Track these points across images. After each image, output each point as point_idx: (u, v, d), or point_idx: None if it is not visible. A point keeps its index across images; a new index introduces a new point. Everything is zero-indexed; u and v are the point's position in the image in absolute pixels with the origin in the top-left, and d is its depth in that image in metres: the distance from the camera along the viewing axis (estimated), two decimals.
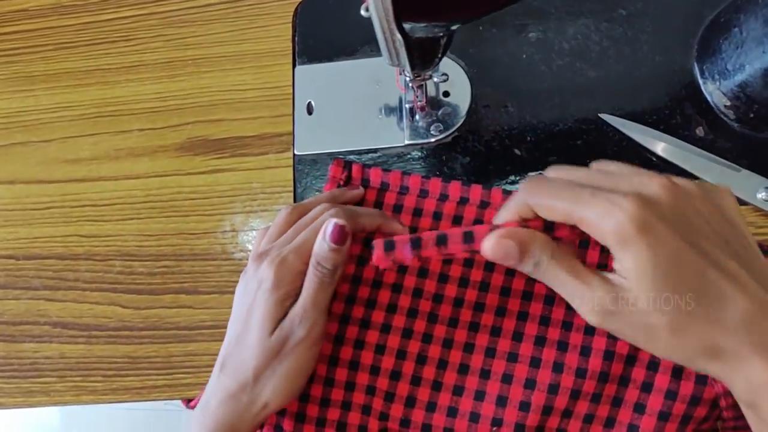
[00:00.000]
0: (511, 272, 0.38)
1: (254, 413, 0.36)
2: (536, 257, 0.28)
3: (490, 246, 0.29)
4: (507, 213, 0.30)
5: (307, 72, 0.49)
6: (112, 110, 0.50)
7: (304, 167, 0.47)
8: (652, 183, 0.27)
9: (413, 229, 0.41)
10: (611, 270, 0.27)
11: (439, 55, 0.36)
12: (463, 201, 0.41)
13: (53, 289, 0.47)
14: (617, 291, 0.27)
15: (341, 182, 0.43)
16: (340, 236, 0.35)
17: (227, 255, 0.46)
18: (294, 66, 0.49)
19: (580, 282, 0.28)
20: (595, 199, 0.27)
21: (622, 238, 0.26)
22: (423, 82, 0.43)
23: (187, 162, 0.48)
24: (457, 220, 0.40)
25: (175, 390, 0.44)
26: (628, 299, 0.26)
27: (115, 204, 0.48)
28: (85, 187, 0.49)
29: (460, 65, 0.47)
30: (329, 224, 0.36)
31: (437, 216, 0.41)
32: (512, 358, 0.37)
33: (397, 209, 0.41)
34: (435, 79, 0.43)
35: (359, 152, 0.46)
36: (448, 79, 0.43)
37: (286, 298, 0.36)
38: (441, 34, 0.32)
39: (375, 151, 0.46)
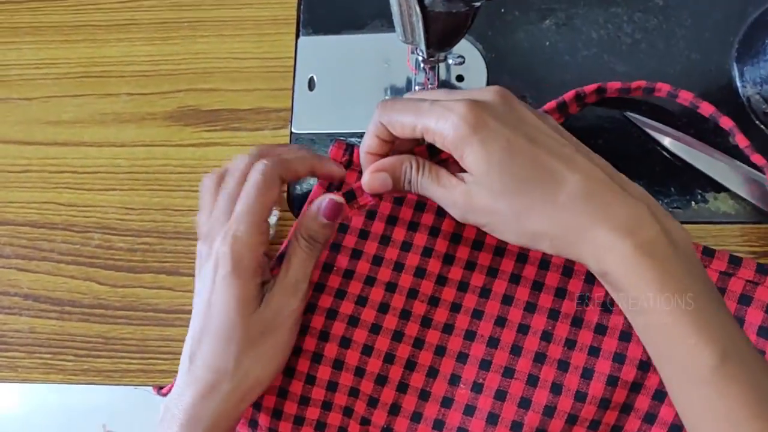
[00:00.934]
0: (515, 279, 0.36)
1: (240, 398, 0.33)
2: (407, 176, 0.32)
3: (366, 182, 0.33)
4: (367, 137, 0.33)
5: (311, 44, 0.45)
6: (99, 71, 0.47)
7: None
8: (484, 91, 0.31)
9: (414, 225, 0.37)
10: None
11: (459, 35, 0.32)
12: None
13: (26, 259, 0.44)
14: (467, 188, 0.30)
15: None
16: (334, 212, 0.35)
17: None
18: (297, 36, 0.46)
19: (442, 187, 0.31)
20: (432, 107, 0.30)
21: (458, 139, 0.29)
22: (436, 64, 0.39)
23: (177, 133, 0.45)
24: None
25: (149, 376, 0.41)
26: (475, 194, 0.30)
27: (97, 172, 0.45)
28: (66, 152, 0.46)
29: (477, 48, 0.43)
30: (324, 199, 0.35)
31: (441, 213, 0.37)
32: (508, 373, 0.34)
33: (398, 201, 0.38)
34: (450, 62, 0.39)
35: (361, 134, 0.43)
36: (464, 62, 0.39)
37: (254, 274, 0.33)
38: (464, 9, 0.29)
39: None
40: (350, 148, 0.40)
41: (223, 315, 0.33)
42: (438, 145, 0.30)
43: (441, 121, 0.29)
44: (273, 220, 0.41)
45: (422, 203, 0.38)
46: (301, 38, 0.45)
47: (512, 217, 0.29)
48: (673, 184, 0.39)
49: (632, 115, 0.40)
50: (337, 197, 0.35)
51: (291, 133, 0.44)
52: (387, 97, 0.43)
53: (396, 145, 0.34)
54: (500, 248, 0.36)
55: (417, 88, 0.42)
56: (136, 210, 0.44)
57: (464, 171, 0.31)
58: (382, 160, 0.33)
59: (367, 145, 0.33)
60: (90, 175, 0.45)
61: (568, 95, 0.39)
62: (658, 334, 0.28)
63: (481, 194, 0.29)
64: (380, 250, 0.37)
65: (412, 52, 0.42)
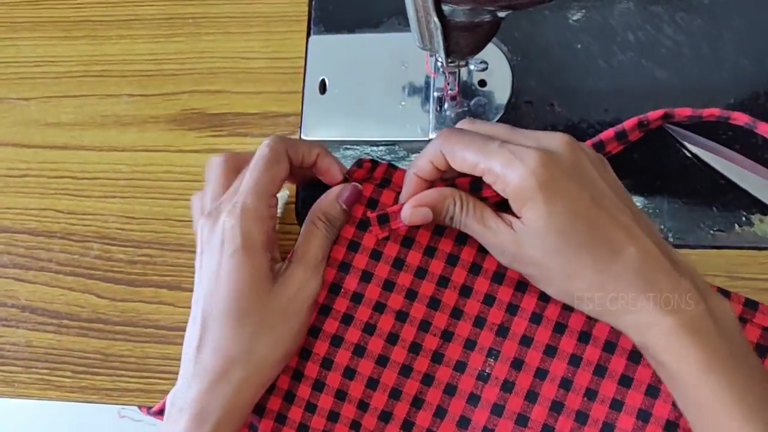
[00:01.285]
0: (536, 319, 0.33)
1: (253, 387, 0.31)
2: (450, 213, 0.32)
3: (406, 215, 0.32)
4: (421, 160, 0.32)
5: (322, 43, 0.42)
6: (100, 70, 0.44)
7: None
8: (554, 138, 0.29)
9: (430, 250, 0.34)
10: (518, 216, 0.29)
11: (482, 45, 0.29)
12: None
13: (24, 268, 0.42)
14: (518, 237, 0.29)
15: (361, 184, 0.36)
16: (354, 199, 0.35)
17: None
18: (308, 35, 0.42)
19: (488, 229, 0.30)
20: (500, 150, 0.29)
21: (522, 191, 0.28)
22: (457, 69, 0.36)
23: (180, 137, 0.42)
24: (482, 248, 0.34)
25: (148, 396, 0.39)
26: (527, 245, 0.29)
27: (97, 178, 0.43)
28: (65, 156, 0.43)
29: (501, 51, 0.40)
30: (347, 186, 0.35)
31: (461, 239, 0.34)
32: (521, 421, 0.32)
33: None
34: (472, 67, 0.36)
35: (375, 143, 0.40)
36: (487, 68, 0.36)
37: (265, 249, 0.31)
38: (488, 20, 0.26)
39: (393, 143, 0.40)
40: (374, 166, 0.35)
41: (234, 294, 0.31)
42: (496, 189, 0.29)
43: (508, 169, 0.28)
44: (283, 195, 0.40)
45: (441, 227, 0.35)
46: (312, 37, 0.42)
47: (560, 276, 0.29)
48: (714, 204, 0.36)
49: (671, 128, 0.37)
50: (359, 185, 0.35)
51: (300, 140, 0.41)
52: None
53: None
54: (522, 283, 0.33)
55: (436, 94, 0.39)
56: (136, 219, 0.41)
57: (510, 212, 0.29)
58: (424, 194, 0.32)
59: (418, 167, 0.32)
60: (89, 181, 0.43)
61: (629, 123, 0.35)
62: (700, 411, 0.27)
63: (533, 248, 0.29)
64: (392, 275, 0.34)
65: (431, 55, 0.39)
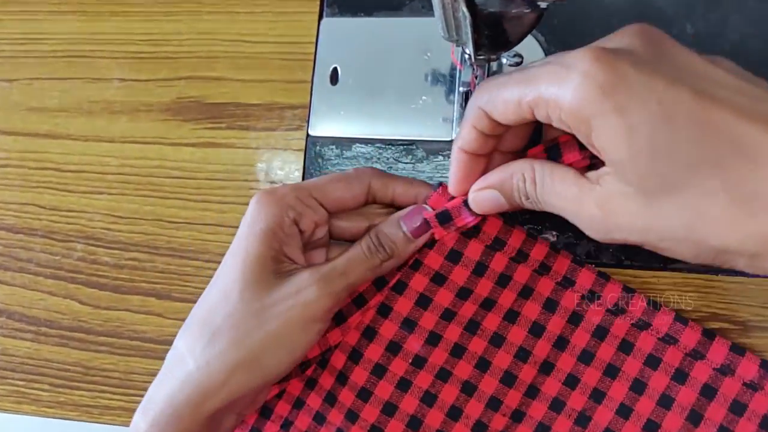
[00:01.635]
0: (624, 413, 0.28)
1: (199, 391, 0.26)
2: (521, 190, 0.25)
3: (473, 202, 0.27)
4: (463, 129, 0.26)
5: (336, 27, 0.38)
6: (89, 50, 0.40)
7: (319, 154, 0.36)
8: (621, 34, 0.21)
9: (513, 315, 0.29)
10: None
11: (518, 39, 0.24)
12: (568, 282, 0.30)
13: (2, 268, 0.38)
14: (602, 192, 0.21)
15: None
16: (420, 229, 0.28)
17: (210, 255, 0.36)
18: (321, 17, 0.38)
19: (569, 202, 0.23)
20: (543, 67, 0.21)
21: (581, 107, 0.19)
22: (486, 63, 0.31)
23: (174, 129, 0.38)
24: (551, 306, 0.29)
25: (132, 415, 0.35)
26: (614, 198, 0.20)
27: (83, 171, 0.39)
28: (49, 145, 0.39)
29: (537, 40, 0.35)
30: (416, 209, 0.29)
31: (550, 306, 0.29)
32: None
33: (503, 282, 0.30)
34: (504, 61, 0.31)
35: (391, 142, 0.36)
36: (522, 62, 0.31)
37: (273, 237, 0.27)
38: (525, 12, 0.21)
39: (411, 143, 0.36)
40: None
41: (225, 274, 0.28)
42: (554, 123, 0.21)
43: (554, 85, 0.20)
44: None
45: (529, 289, 0.29)
46: (325, 19, 0.38)
47: (679, 227, 0.19)
48: None
49: None
50: (432, 212, 0.29)
51: (307, 135, 0.36)
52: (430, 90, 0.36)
53: (500, 145, 0.26)
54: (614, 367, 0.28)
55: (461, 89, 0.34)
56: (124, 219, 0.37)
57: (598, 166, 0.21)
58: (487, 175, 0.26)
59: (461, 140, 0.26)
60: (74, 174, 0.39)
61: None
62: None
63: (625, 198, 0.20)
64: (464, 339, 0.29)
65: (458, 45, 0.34)
